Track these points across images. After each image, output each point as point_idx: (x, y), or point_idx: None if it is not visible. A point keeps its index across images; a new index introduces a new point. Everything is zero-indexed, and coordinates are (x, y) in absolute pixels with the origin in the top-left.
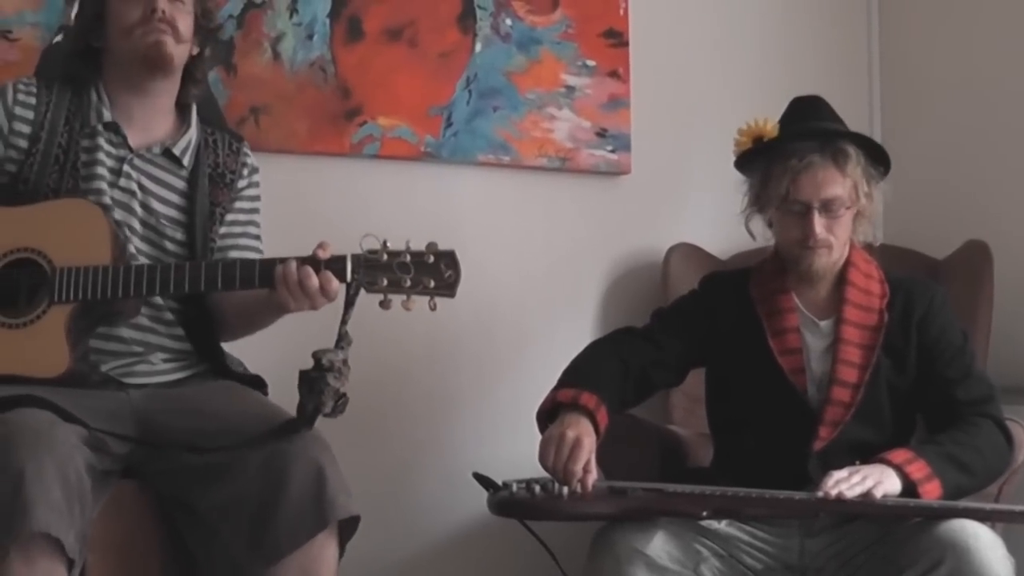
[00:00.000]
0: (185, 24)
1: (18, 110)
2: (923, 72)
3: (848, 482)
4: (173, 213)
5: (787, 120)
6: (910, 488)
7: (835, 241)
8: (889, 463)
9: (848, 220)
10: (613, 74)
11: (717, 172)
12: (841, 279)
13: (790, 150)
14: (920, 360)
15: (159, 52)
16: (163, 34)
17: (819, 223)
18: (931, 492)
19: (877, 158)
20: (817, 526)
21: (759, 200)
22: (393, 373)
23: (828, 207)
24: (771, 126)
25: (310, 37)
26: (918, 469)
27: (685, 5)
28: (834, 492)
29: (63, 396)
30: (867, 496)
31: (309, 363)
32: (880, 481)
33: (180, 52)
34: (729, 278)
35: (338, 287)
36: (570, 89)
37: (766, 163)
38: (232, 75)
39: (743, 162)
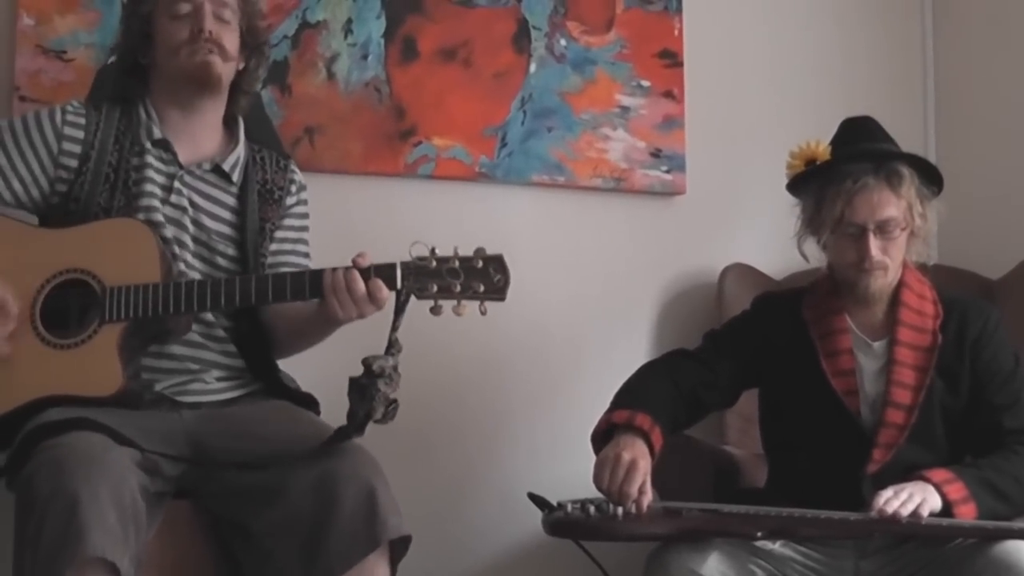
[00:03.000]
0: (231, 42)
1: (67, 130)
2: (978, 90)
3: (898, 499)
4: (224, 229)
5: (839, 142)
6: (946, 508)
7: (890, 263)
8: (929, 481)
9: (903, 241)
10: (668, 94)
11: (772, 192)
12: (895, 300)
13: (844, 172)
14: (971, 384)
15: (207, 72)
16: (210, 54)
17: (875, 245)
18: (966, 515)
19: (930, 177)
20: (871, 547)
21: (813, 223)
22: (447, 393)
23: (883, 228)
24: (823, 148)
25: (365, 57)
26: (956, 490)
27: (739, 26)
28: (889, 510)
29: (117, 418)
30: (915, 514)
31: (359, 372)
32: (925, 499)
33: (228, 70)
34: (782, 299)
35: (387, 294)
36: (625, 109)
37: (819, 186)
38: (287, 95)
39: (796, 184)
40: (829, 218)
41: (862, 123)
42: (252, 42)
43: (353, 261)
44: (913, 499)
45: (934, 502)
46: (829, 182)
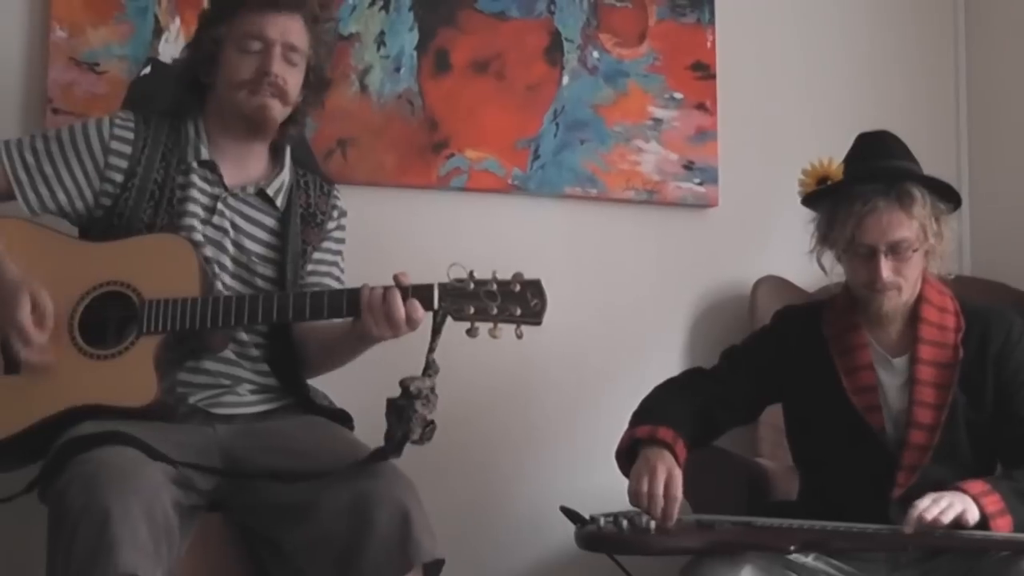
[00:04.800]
0: (294, 86)
1: (115, 144)
2: (1011, 102)
3: (938, 506)
4: (264, 251)
5: (852, 159)
6: (982, 520)
7: (904, 283)
8: (966, 492)
9: (917, 260)
10: (700, 107)
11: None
12: (914, 316)
13: (855, 193)
14: (996, 396)
15: (263, 116)
16: (270, 98)
17: (886, 266)
18: (1002, 527)
19: (946, 194)
20: (904, 560)
21: (826, 240)
22: (480, 407)
23: (895, 249)
24: (836, 167)
25: (397, 70)
26: (993, 503)
27: (772, 37)
28: (929, 517)
29: (151, 432)
30: (961, 518)
31: (396, 393)
32: (966, 508)
33: (284, 112)
34: (802, 313)
35: (423, 315)
36: (657, 122)
37: (831, 205)
38: (319, 108)
39: (809, 201)
40: (841, 238)
41: (877, 138)
42: (316, 79)
43: (395, 278)
44: (954, 507)
45: (973, 512)
46: (840, 202)
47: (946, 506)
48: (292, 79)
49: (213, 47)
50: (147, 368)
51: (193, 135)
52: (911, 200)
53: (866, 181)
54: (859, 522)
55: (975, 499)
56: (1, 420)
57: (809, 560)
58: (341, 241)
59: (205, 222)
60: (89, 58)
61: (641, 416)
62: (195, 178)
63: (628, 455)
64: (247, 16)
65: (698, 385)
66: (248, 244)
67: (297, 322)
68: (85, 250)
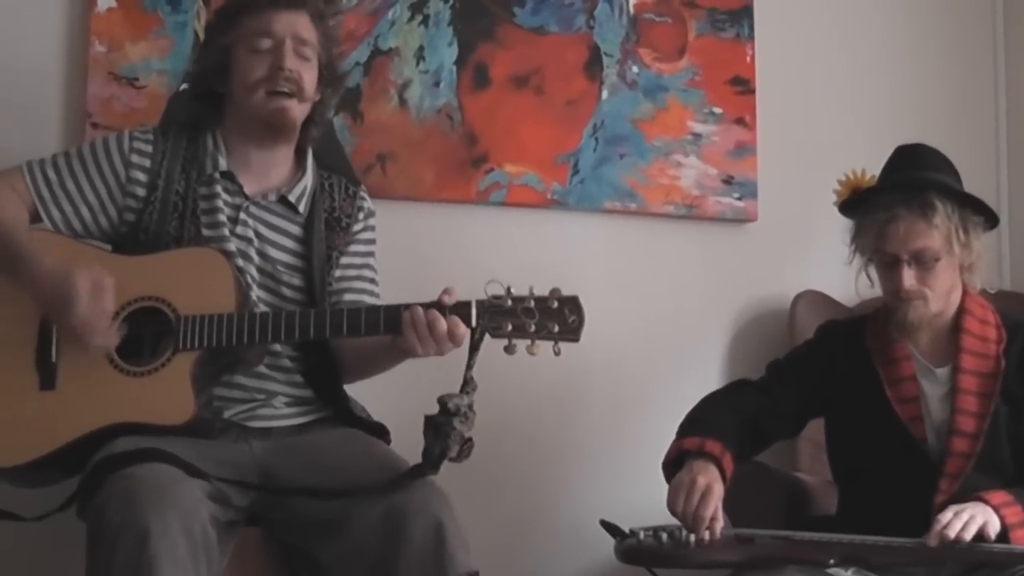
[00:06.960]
0: (310, 81)
1: (135, 158)
2: None
3: (960, 520)
4: (289, 259)
5: (886, 170)
6: (1002, 532)
7: (930, 293)
8: (988, 503)
9: (944, 270)
10: (740, 121)
11: (844, 219)
12: (956, 327)
13: (879, 203)
14: None
15: (282, 118)
16: (287, 98)
17: (908, 275)
18: (1022, 539)
19: (979, 206)
20: (943, 574)
21: (857, 250)
22: (519, 420)
23: (918, 259)
24: (868, 177)
25: (437, 84)
26: (1014, 514)
27: (811, 52)
28: (952, 533)
29: (188, 448)
30: (982, 531)
31: (431, 407)
32: (987, 521)
33: (303, 111)
34: (845, 326)
35: (464, 332)
36: (697, 136)
37: (860, 215)
38: (359, 122)
39: (845, 210)
40: (867, 248)
41: (912, 150)
42: (330, 75)
43: (440, 297)
44: (976, 520)
45: (995, 524)
46: (867, 212)
47: (968, 519)
48: (306, 74)
49: (222, 55)
50: (184, 385)
51: (211, 146)
52: (932, 210)
53: (888, 192)
54: (900, 530)
55: (996, 510)
56: (37, 438)
57: (848, 574)
58: (371, 242)
59: (230, 232)
60: (128, 73)
61: (689, 427)
62: (218, 188)
63: (675, 466)
64: (252, 17)
65: (746, 397)
66: (273, 253)
67: (334, 338)
68: (119, 263)
